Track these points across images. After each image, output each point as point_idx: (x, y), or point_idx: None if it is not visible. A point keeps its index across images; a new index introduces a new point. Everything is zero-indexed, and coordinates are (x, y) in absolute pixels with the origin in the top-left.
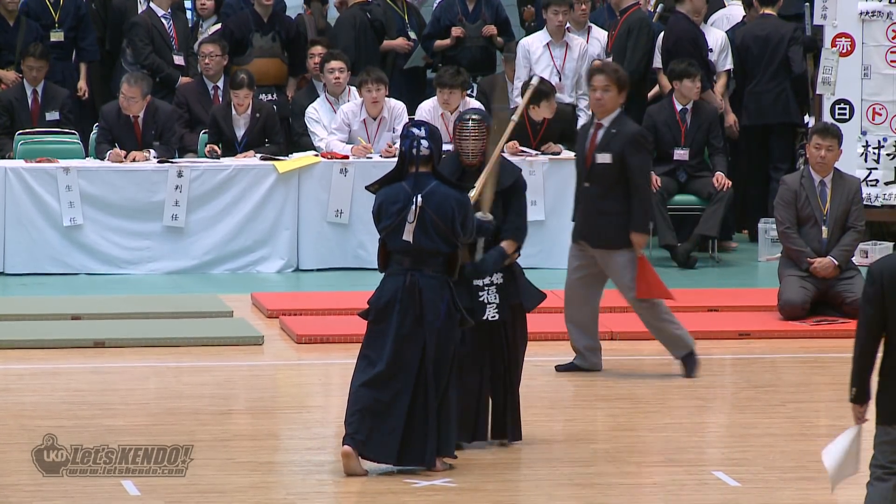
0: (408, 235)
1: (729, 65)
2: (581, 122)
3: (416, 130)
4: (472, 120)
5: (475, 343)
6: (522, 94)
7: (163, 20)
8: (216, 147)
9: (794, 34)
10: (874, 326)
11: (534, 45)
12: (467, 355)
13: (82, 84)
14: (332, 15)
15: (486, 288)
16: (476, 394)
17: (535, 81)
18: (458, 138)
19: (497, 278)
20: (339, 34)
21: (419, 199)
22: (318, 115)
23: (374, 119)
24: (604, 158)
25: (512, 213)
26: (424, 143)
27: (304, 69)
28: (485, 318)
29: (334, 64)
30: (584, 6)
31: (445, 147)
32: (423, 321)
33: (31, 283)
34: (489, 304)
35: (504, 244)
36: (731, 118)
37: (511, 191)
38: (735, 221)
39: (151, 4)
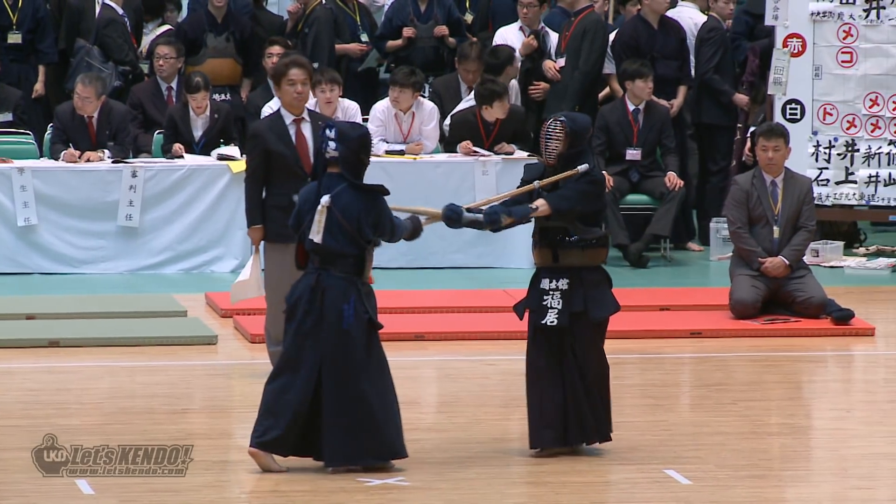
0: (314, 235)
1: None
2: None
3: (326, 132)
4: (555, 121)
5: (543, 348)
6: (476, 98)
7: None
8: (181, 147)
9: (706, 34)
10: None
11: (509, 35)
12: (538, 360)
13: (39, 87)
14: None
15: (550, 293)
16: (556, 399)
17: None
18: (540, 138)
19: (563, 284)
20: (319, 35)
21: (326, 199)
22: None
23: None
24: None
25: (564, 186)
26: (332, 144)
27: (259, 69)
28: (544, 322)
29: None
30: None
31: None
32: (324, 321)
33: None
34: (551, 308)
35: (536, 202)
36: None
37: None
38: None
39: (109, 2)
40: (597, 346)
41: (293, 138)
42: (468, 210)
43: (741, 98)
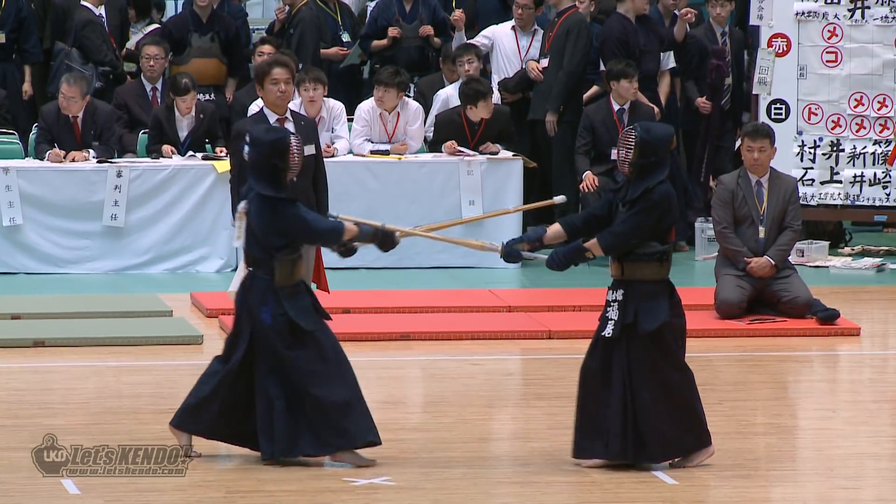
0: (236, 241)
1: (672, 63)
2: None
3: (247, 137)
4: (630, 129)
5: (600, 359)
6: (460, 96)
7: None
8: (172, 150)
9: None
10: None
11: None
12: (590, 366)
13: (27, 87)
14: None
15: (611, 304)
16: (614, 411)
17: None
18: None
19: (619, 295)
20: (304, 35)
21: (243, 206)
22: None
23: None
24: None
25: (624, 219)
26: (246, 149)
27: (244, 69)
28: (603, 333)
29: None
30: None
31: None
32: (250, 321)
33: None
34: (609, 320)
35: (588, 244)
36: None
37: (639, 200)
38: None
39: (85, 3)
40: (655, 358)
41: None
42: (527, 250)
43: (703, 104)
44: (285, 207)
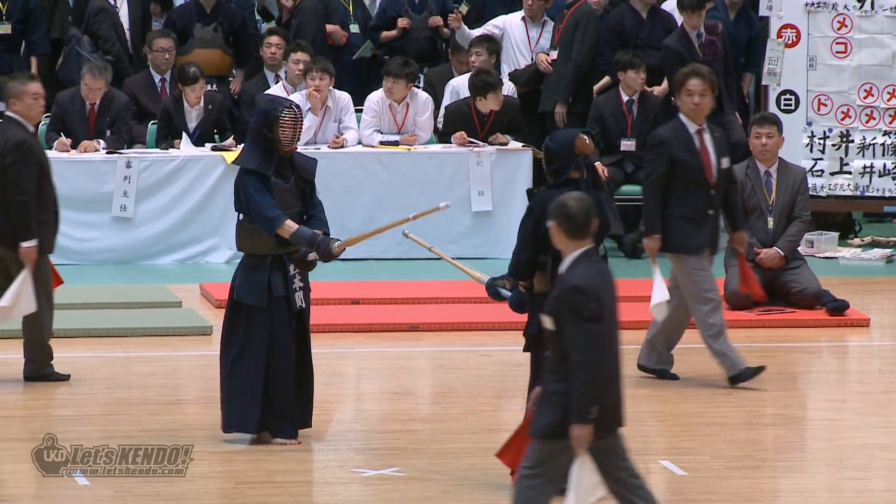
0: None
1: None
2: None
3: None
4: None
5: None
6: (470, 88)
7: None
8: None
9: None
10: None
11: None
12: None
13: None
14: None
15: None
16: None
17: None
18: None
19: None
20: (303, 25)
21: None
22: None
23: (319, 109)
24: (726, 163)
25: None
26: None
27: (250, 60)
28: None
29: (300, 55)
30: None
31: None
32: None
33: None
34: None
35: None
36: None
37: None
38: None
39: None
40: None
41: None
42: (508, 287)
43: None
44: (248, 176)
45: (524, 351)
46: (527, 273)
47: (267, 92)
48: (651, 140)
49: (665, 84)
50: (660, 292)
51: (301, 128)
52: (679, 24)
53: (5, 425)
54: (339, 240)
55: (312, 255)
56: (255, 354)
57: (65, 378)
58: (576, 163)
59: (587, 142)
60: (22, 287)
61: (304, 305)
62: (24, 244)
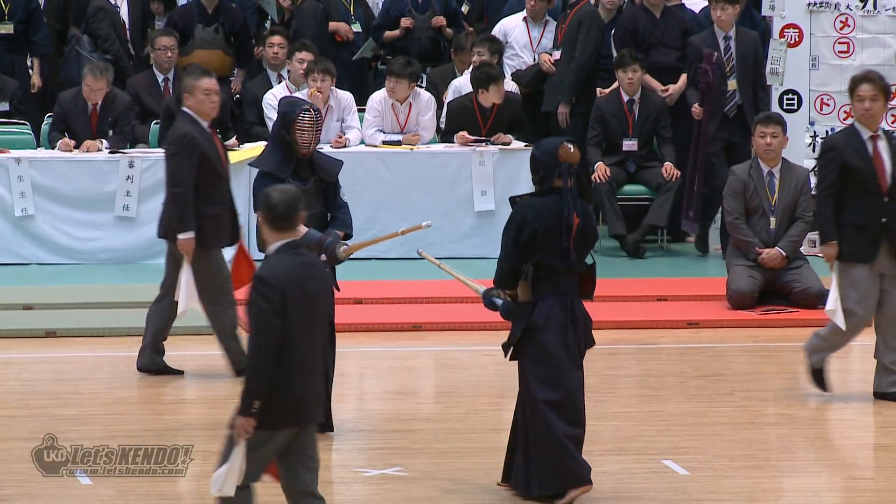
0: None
1: None
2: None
3: None
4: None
5: None
6: (472, 81)
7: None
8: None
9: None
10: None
11: (512, 23)
12: None
13: (36, 80)
14: None
15: None
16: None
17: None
18: None
19: None
20: (302, 26)
21: None
22: (276, 101)
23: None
24: None
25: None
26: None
27: (251, 61)
28: None
29: (304, 55)
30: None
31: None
32: None
33: None
34: None
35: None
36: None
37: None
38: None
39: None
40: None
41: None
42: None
43: (696, 110)
44: (263, 179)
45: (510, 360)
46: (511, 282)
47: (270, 92)
48: (823, 146)
49: (680, 82)
50: (835, 297)
51: (320, 130)
52: (696, 22)
53: (6, 425)
54: (346, 244)
55: (342, 249)
56: None
57: (179, 373)
58: (559, 171)
59: (571, 151)
60: (184, 281)
61: None
62: (181, 236)
